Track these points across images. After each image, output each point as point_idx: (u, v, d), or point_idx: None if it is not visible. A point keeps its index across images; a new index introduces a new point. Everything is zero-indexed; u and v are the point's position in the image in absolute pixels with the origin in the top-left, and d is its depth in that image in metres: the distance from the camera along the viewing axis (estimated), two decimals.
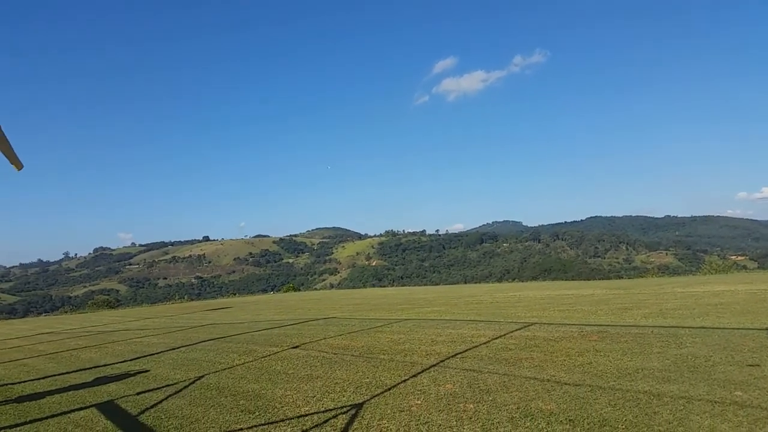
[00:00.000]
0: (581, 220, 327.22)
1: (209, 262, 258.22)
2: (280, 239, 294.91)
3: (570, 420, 3.94)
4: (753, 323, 7.67)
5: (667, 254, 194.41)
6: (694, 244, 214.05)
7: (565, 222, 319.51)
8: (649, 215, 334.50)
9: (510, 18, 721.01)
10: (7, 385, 7.39)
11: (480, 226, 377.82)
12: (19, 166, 12.21)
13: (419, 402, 4.70)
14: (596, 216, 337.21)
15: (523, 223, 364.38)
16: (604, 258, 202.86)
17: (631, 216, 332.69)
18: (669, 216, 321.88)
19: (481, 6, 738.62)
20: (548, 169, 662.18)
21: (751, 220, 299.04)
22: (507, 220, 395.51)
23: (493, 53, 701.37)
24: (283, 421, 4.54)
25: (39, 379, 7.73)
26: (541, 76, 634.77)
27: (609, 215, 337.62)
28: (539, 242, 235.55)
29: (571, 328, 8.40)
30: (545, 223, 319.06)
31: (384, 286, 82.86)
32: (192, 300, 46.16)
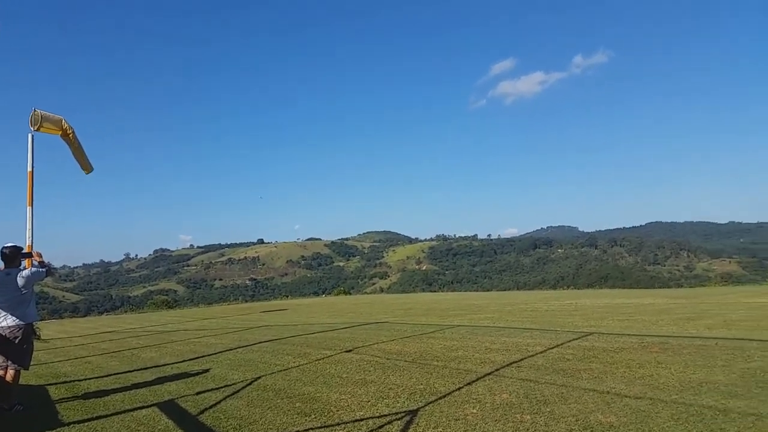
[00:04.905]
0: (640, 226, 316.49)
1: (263, 265, 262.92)
2: (332, 242, 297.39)
3: None
4: None
5: (730, 262, 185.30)
6: (759, 252, 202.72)
7: (624, 227, 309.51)
8: (711, 221, 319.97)
9: (570, 16, 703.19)
10: (73, 381, 7.73)
11: (534, 231, 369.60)
12: (89, 169, 12.75)
13: (475, 411, 4.66)
14: (656, 221, 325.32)
15: (579, 228, 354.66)
16: (664, 265, 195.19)
17: (692, 222, 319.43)
18: (733, 222, 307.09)
19: (539, 4, 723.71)
20: (606, 172, 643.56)
21: None
22: (562, 225, 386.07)
23: (553, 53, 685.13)
24: (338, 425, 4.59)
25: (103, 376, 8.05)
26: (603, 77, 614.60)
27: (670, 221, 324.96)
28: (596, 248, 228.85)
29: (631, 339, 8.15)
30: (602, 229, 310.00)
31: (434, 291, 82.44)
32: (246, 301, 47.16)
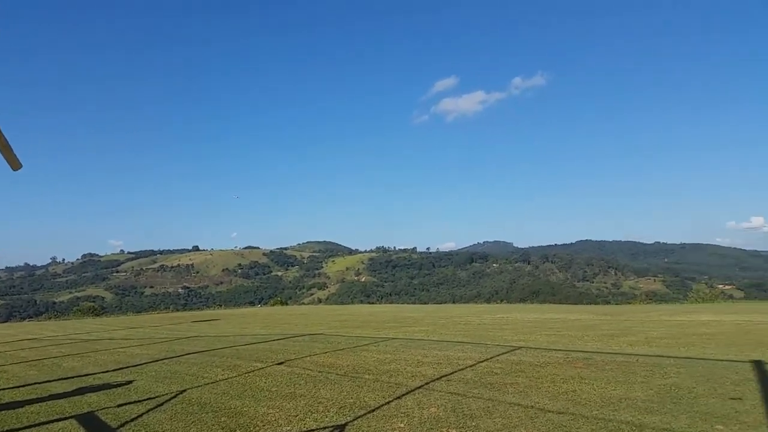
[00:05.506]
0: (571, 243, 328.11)
1: (197, 272, 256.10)
2: (271, 251, 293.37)
3: None
4: (737, 355, 7.72)
5: (655, 281, 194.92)
6: (682, 272, 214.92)
7: (556, 244, 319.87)
8: (638, 241, 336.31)
9: (513, 38, 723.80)
10: None
11: (471, 245, 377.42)
12: (17, 165, 12.15)
13: (402, 425, 4.67)
14: (586, 240, 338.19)
15: (514, 244, 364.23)
16: (593, 282, 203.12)
17: (620, 241, 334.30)
18: (658, 242, 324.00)
19: (484, 25, 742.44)
20: (541, 190, 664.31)
21: (740, 249, 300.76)
22: (498, 241, 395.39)
23: (494, 74, 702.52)
24: None
25: (19, 387, 7.60)
26: (540, 99, 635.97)
27: (599, 239, 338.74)
28: (529, 264, 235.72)
29: (557, 354, 8.40)
30: (535, 245, 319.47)
31: (372, 303, 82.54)
32: (178, 310, 45.81)
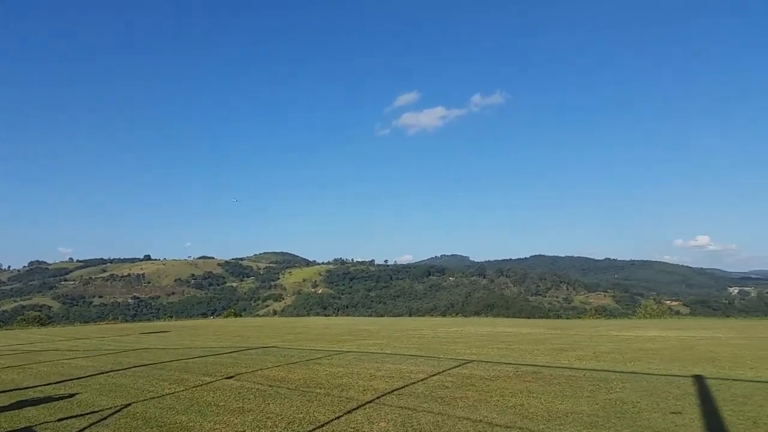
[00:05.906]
0: (525, 258, 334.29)
1: (148, 283, 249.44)
2: (226, 262, 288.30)
3: None
4: (680, 370, 7.99)
5: (605, 296, 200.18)
6: (631, 287, 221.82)
7: (510, 259, 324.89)
8: (589, 257, 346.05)
9: (473, 57, 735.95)
10: None
11: (429, 259, 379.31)
12: None
13: None
14: (540, 255, 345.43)
15: (470, 258, 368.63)
16: (545, 296, 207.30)
17: (572, 257, 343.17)
18: (609, 259, 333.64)
19: (446, 43, 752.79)
20: (497, 205, 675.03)
21: (686, 266, 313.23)
22: (455, 254, 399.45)
23: (454, 91, 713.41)
24: None
25: None
26: (499, 116, 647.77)
27: (552, 254, 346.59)
28: (484, 278, 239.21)
29: (508, 368, 8.51)
30: (491, 259, 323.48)
31: (329, 315, 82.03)
32: (127, 321, 44.57)
